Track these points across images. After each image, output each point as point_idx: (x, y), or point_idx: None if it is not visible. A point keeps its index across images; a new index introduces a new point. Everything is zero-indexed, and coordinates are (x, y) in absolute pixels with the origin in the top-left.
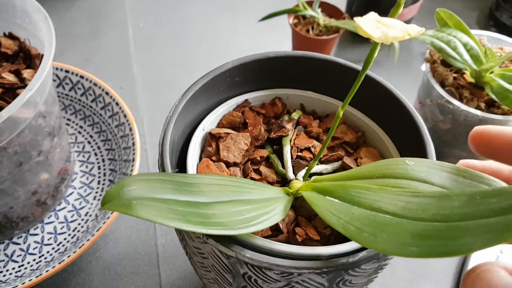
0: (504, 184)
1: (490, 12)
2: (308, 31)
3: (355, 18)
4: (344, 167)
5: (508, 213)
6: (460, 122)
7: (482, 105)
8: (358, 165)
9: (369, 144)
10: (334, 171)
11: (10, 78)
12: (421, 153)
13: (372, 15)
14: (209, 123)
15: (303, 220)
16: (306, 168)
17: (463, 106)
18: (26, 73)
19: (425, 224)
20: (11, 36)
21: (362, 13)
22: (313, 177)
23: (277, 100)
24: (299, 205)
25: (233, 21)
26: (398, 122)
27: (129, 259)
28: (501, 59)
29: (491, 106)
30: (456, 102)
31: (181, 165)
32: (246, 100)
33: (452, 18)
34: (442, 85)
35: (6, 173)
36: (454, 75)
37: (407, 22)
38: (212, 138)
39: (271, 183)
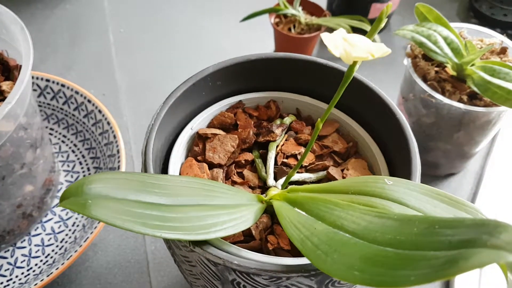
0: (482, 216)
1: (470, 4)
2: (290, 29)
3: (321, 34)
4: (329, 178)
5: (454, 249)
6: (444, 115)
7: (465, 97)
8: (343, 177)
9: (360, 155)
10: (318, 181)
11: None
12: (407, 172)
13: (340, 32)
14: (198, 123)
15: (278, 228)
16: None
17: (446, 100)
18: (5, 85)
19: (377, 249)
20: None
21: (343, 10)
22: (290, 186)
23: (271, 103)
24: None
25: (215, 22)
26: (390, 135)
27: (119, 268)
28: (481, 51)
29: (473, 98)
30: (438, 96)
31: (166, 169)
32: (240, 101)
33: (431, 12)
34: (424, 79)
35: None
36: (436, 69)
37: (388, 16)
38: (199, 138)
39: (253, 188)
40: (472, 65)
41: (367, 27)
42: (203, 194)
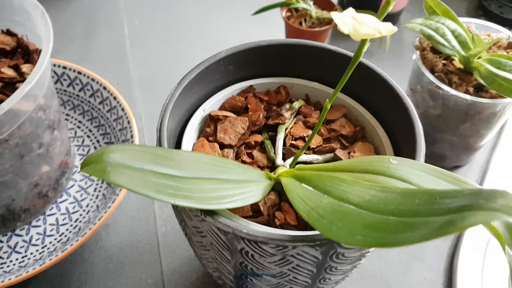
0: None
1: (479, 2)
2: (301, 23)
3: (332, 13)
4: (335, 159)
5: (452, 213)
6: (450, 107)
7: (471, 89)
8: (350, 159)
9: (367, 139)
10: (325, 162)
11: (10, 72)
12: (411, 152)
13: (349, 11)
14: (210, 105)
15: (285, 205)
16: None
17: (452, 91)
18: (25, 67)
19: (381, 217)
20: (9, 33)
21: (354, 5)
22: (297, 165)
23: (281, 88)
24: (284, 191)
25: (226, 16)
26: (397, 120)
27: (131, 248)
28: (488, 44)
29: (479, 90)
30: (445, 88)
31: (179, 147)
32: (251, 86)
33: (440, 6)
34: (432, 71)
35: (8, 165)
36: (444, 61)
37: (398, 12)
38: (211, 120)
39: (261, 168)
40: (479, 58)
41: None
42: (214, 169)
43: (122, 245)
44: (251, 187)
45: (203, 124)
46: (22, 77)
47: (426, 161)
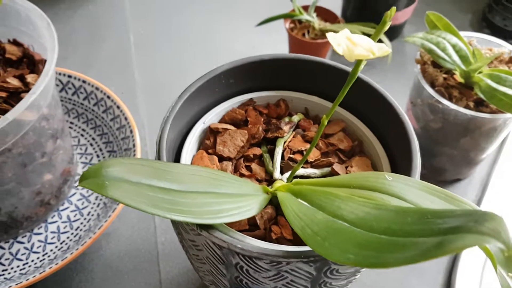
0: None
1: (483, 15)
2: (304, 35)
3: (327, 34)
4: (333, 174)
5: (442, 234)
6: (450, 121)
7: (471, 104)
8: (347, 173)
9: (365, 154)
10: (323, 176)
11: (15, 82)
12: (407, 169)
13: (345, 32)
14: (210, 118)
15: (282, 219)
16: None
17: (452, 106)
18: (30, 77)
19: (372, 236)
20: (15, 43)
21: (357, 17)
22: (294, 180)
23: (281, 101)
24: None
25: (231, 26)
26: (394, 136)
27: (130, 257)
28: (488, 59)
29: (480, 105)
30: (445, 102)
31: (178, 159)
32: (251, 99)
33: (441, 20)
34: (432, 85)
35: (11, 174)
36: (444, 75)
37: (401, 25)
38: (211, 132)
39: (260, 181)
40: (480, 72)
41: (382, 35)
42: (211, 182)
43: (122, 254)
44: (247, 201)
45: (203, 137)
46: (27, 87)
47: (426, 174)
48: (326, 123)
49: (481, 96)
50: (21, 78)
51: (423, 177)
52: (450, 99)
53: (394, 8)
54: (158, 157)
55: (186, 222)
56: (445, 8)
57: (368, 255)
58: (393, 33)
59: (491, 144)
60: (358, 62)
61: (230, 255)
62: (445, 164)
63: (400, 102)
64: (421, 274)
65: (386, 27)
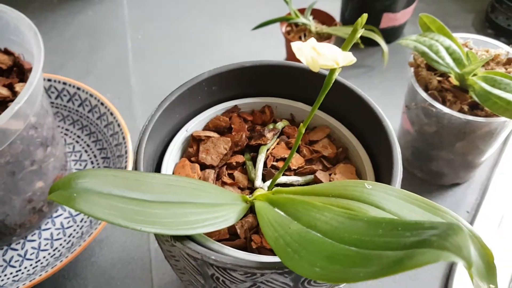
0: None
1: (486, 14)
2: (300, 38)
3: (292, 43)
4: (316, 181)
5: (406, 248)
6: (444, 125)
7: (466, 107)
8: (330, 180)
9: (350, 160)
10: (306, 184)
11: (3, 92)
12: (389, 177)
13: (310, 42)
14: (194, 125)
15: None
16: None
17: (446, 109)
18: (18, 86)
19: (342, 248)
20: (6, 52)
21: (355, 19)
22: (275, 188)
23: (266, 108)
24: None
25: (228, 31)
26: (378, 142)
27: (123, 264)
28: (482, 61)
29: (474, 108)
30: (438, 106)
31: (160, 168)
32: (236, 106)
33: (434, 22)
34: (426, 88)
35: (0, 183)
36: (439, 78)
37: (401, 26)
38: (194, 140)
39: (242, 189)
40: (474, 75)
41: (378, 37)
42: (188, 192)
43: (115, 261)
44: (225, 211)
45: (186, 145)
46: (15, 96)
47: (424, 178)
48: (303, 131)
49: (476, 99)
50: (10, 87)
51: (421, 181)
52: (444, 102)
53: (365, 14)
54: (135, 167)
55: (157, 233)
56: (446, 8)
57: (333, 269)
58: (393, 35)
59: (489, 147)
60: (332, 70)
61: (205, 266)
62: (443, 168)
63: (399, 104)
64: (417, 280)
65: (358, 35)
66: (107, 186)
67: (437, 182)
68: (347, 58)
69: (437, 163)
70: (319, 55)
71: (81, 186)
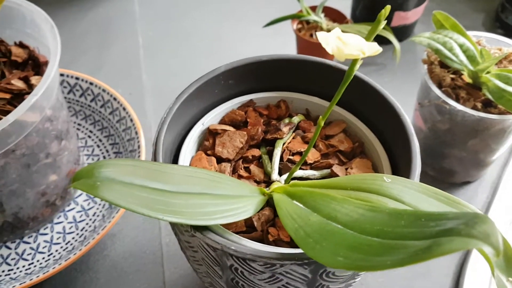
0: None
1: (496, 14)
2: (311, 35)
3: (318, 33)
4: (332, 175)
5: (433, 237)
6: (458, 122)
7: (479, 105)
8: (347, 175)
9: (366, 155)
10: (322, 178)
11: (19, 84)
12: (407, 170)
13: (335, 31)
14: (210, 119)
15: (279, 221)
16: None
17: (459, 106)
18: (34, 79)
19: (365, 238)
20: (21, 45)
21: (366, 17)
22: (292, 181)
23: (282, 102)
24: None
25: (239, 28)
26: (395, 137)
27: (135, 258)
28: (496, 59)
29: (488, 106)
30: (452, 103)
31: (176, 161)
32: (251, 100)
33: (448, 20)
34: (439, 86)
35: (15, 175)
36: (452, 76)
37: (412, 24)
38: (210, 134)
39: (258, 182)
40: (488, 72)
41: (389, 35)
42: (207, 184)
43: (127, 255)
44: (243, 202)
45: (202, 138)
46: (30, 89)
47: (435, 176)
48: (322, 124)
49: (489, 96)
50: (26, 80)
51: (433, 179)
52: (457, 99)
53: (388, 6)
54: (154, 158)
55: (178, 223)
56: (457, 8)
57: (358, 258)
58: (404, 33)
59: (501, 145)
60: (354, 62)
61: (224, 256)
62: (455, 165)
63: (409, 102)
64: (428, 277)
65: (381, 27)
66: (128, 175)
67: (448, 180)
68: (373, 47)
69: (449, 161)
70: (345, 45)
71: (104, 175)
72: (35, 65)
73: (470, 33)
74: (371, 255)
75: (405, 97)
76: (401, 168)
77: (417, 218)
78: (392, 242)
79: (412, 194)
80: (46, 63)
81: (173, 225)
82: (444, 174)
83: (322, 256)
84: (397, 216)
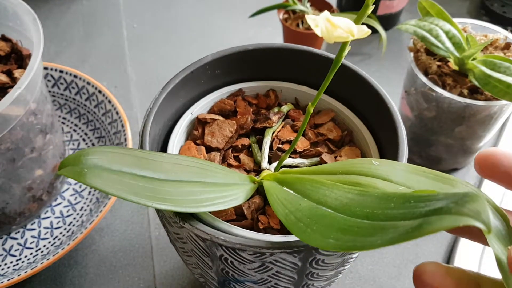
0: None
1: (481, 1)
2: (298, 25)
3: (307, 16)
4: (321, 163)
5: (423, 217)
6: (444, 109)
7: (465, 91)
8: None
9: (355, 143)
10: (311, 166)
11: (2, 78)
12: (394, 155)
13: (324, 14)
14: (198, 108)
15: (270, 209)
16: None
17: (446, 93)
18: (17, 72)
19: (354, 221)
20: (4, 38)
21: (352, 7)
22: (282, 169)
23: (271, 92)
24: None
25: (225, 18)
26: (382, 124)
27: (124, 252)
28: (481, 45)
29: (474, 92)
30: (438, 90)
31: (165, 151)
32: (240, 89)
33: (434, 7)
34: (426, 73)
35: (0, 170)
36: (438, 63)
37: (398, 13)
38: (199, 123)
39: (248, 171)
40: (474, 59)
41: (375, 23)
42: (196, 172)
43: (116, 249)
44: (233, 190)
45: (191, 127)
46: (14, 82)
47: (422, 164)
48: (311, 110)
49: (475, 83)
50: (9, 73)
51: (420, 166)
52: (443, 87)
53: None
54: (141, 148)
55: (168, 210)
56: None
57: (348, 239)
58: (390, 22)
59: (488, 132)
60: (342, 47)
61: (214, 247)
62: (442, 153)
63: (396, 91)
64: (417, 263)
65: (369, 11)
66: (116, 163)
67: (436, 167)
68: (362, 29)
69: (435, 148)
70: (334, 27)
71: (91, 162)
72: (18, 58)
73: (456, 20)
74: (361, 235)
75: (392, 86)
76: (389, 155)
77: (406, 200)
78: (382, 223)
79: (401, 174)
80: (29, 56)
81: (162, 217)
82: (431, 162)
83: (313, 238)
84: (386, 199)
